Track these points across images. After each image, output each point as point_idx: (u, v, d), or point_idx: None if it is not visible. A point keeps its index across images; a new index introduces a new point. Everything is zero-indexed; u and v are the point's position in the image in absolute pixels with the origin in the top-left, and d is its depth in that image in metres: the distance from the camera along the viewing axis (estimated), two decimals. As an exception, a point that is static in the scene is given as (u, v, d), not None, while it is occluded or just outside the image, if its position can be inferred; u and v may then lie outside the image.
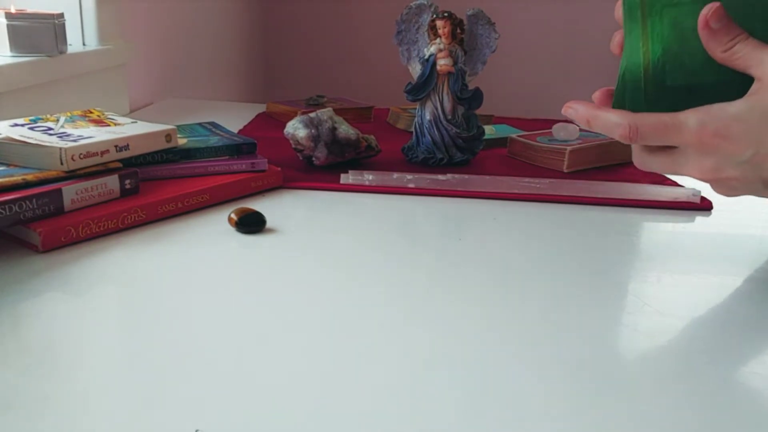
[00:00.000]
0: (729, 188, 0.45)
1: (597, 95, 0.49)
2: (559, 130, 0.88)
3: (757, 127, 0.41)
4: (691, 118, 0.42)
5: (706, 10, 0.42)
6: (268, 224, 0.61)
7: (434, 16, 0.81)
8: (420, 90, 0.82)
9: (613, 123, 0.45)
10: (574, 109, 0.48)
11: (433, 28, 0.81)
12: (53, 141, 0.59)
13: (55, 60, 0.89)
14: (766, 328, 0.45)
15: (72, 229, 0.54)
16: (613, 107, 0.47)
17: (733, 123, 0.41)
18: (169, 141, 0.67)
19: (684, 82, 0.43)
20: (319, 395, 0.36)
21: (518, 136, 0.90)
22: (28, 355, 0.38)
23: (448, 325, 0.44)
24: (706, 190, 0.74)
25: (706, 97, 0.43)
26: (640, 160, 0.48)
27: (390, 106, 1.15)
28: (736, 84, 0.42)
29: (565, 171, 0.82)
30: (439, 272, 0.53)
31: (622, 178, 0.80)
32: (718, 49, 0.42)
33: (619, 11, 0.46)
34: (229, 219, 0.59)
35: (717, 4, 0.42)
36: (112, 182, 0.60)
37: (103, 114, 0.71)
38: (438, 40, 0.81)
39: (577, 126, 0.90)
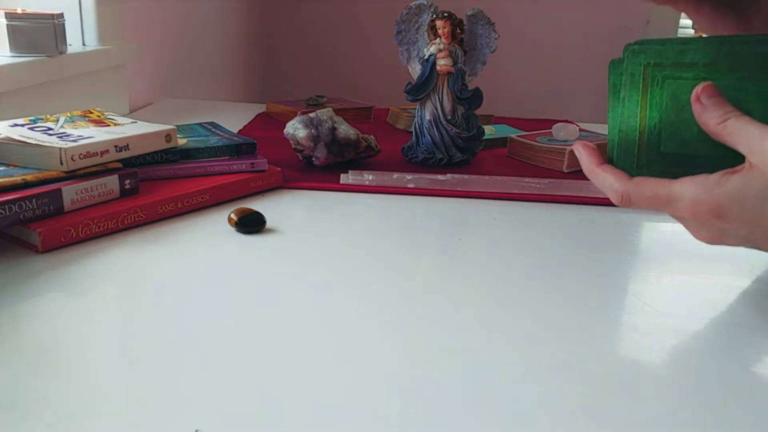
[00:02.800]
0: (731, 246, 0.45)
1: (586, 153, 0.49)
2: (559, 130, 0.89)
3: (752, 207, 0.40)
4: (686, 192, 0.41)
5: (699, 87, 0.43)
6: (268, 224, 0.61)
7: (434, 16, 0.81)
8: (420, 90, 0.82)
9: (608, 185, 0.45)
10: (580, 154, 0.48)
11: (432, 28, 0.81)
12: (53, 141, 0.59)
13: (55, 60, 0.89)
14: (766, 328, 0.45)
15: (72, 230, 0.54)
16: (609, 157, 0.47)
17: (728, 201, 0.40)
18: (168, 141, 0.67)
19: (677, 150, 0.44)
20: (318, 395, 0.36)
21: (518, 136, 0.90)
22: (28, 355, 0.38)
23: (447, 324, 0.44)
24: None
25: (698, 167, 0.43)
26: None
27: (390, 106, 1.15)
28: (728, 159, 0.42)
29: (565, 171, 0.82)
30: (438, 272, 0.53)
31: (622, 178, 0.80)
32: (710, 123, 0.42)
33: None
34: (229, 219, 0.59)
35: (709, 83, 0.43)
36: (111, 182, 0.60)
37: (102, 114, 0.71)
38: (438, 40, 0.81)
39: (577, 126, 0.91)
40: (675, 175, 0.43)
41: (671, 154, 0.44)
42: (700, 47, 0.43)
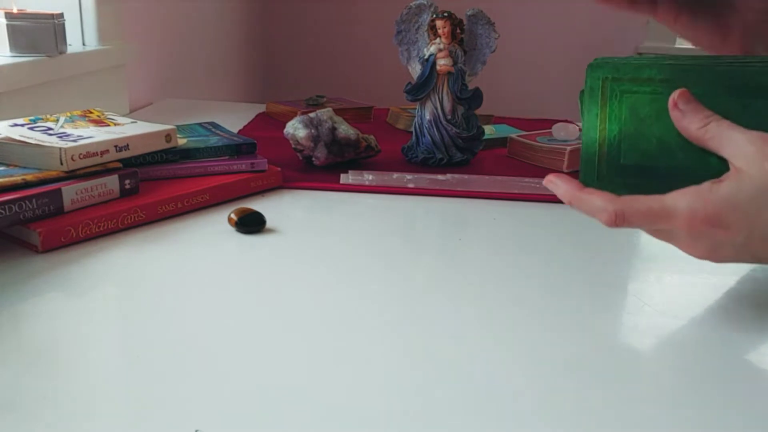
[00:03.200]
0: (724, 261, 0.44)
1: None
2: (558, 130, 0.89)
3: (747, 211, 0.39)
4: (680, 203, 0.41)
5: (675, 94, 0.43)
6: (268, 224, 0.61)
7: (434, 16, 0.81)
8: (420, 90, 0.82)
9: (596, 207, 0.43)
10: (555, 185, 0.46)
11: (432, 28, 0.81)
12: (53, 141, 0.59)
13: (55, 60, 0.89)
14: (766, 328, 0.45)
15: (72, 230, 0.54)
16: (583, 179, 0.46)
17: (724, 208, 0.40)
18: (168, 141, 0.67)
19: (638, 162, 0.45)
20: (318, 395, 0.36)
21: (518, 136, 0.90)
22: (28, 355, 0.38)
23: (447, 324, 0.44)
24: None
25: (658, 177, 0.43)
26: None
27: (390, 106, 1.15)
28: (691, 170, 0.42)
29: (565, 171, 0.82)
30: (438, 272, 0.53)
31: (622, 178, 0.80)
32: (691, 128, 0.42)
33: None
34: (229, 219, 0.59)
35: (683, 89, 0.43)
36: (111, 182, 0.60)
37: (102, 114, 0.71)
38: (438, 40, 0.81)
39: (577, 126, 0.91)
40: (635, 187, 0.43)
41: (632, 166, 0.45)
42: (656, 64, 0.44)
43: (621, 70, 0.45)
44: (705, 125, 0.42)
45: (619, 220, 0.42)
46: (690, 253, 0.43)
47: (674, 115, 0.43)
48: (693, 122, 0.42)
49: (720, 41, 0.56)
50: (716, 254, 0.42)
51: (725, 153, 0.41)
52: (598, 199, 0.43)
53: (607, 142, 0.45)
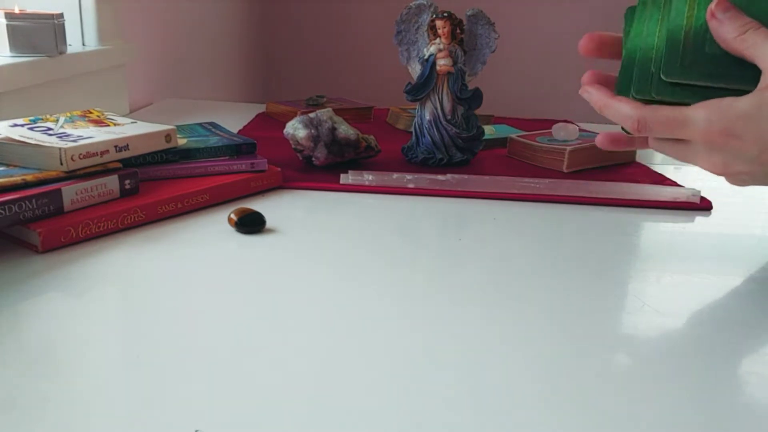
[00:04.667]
0: (739, 180, 0.46)
1: (586, 78, 0.50)
2: (558, 130, 0.89)
3: (764, 125, 0.41)
4: (699, 114, 0.42)
5: (712, 3, 0.43)
6: (268, 224, 0.61)
7: (434, 16, 0.81)
8: (420, 90, 0.82)
9: (623, 114, 0.46)
10: (590, 93, 0.49)
11: (432, 28, 0.81)
12: (53, 141, 0.59)
13: (55, 60, 0.89)
14: (766, 328, 0.45)
15: (71, 230, 0.54)
16: (618, 90, 0.48)
17: (740, 121, 0.41)
18: (168, 141, 0.67)
19: (721, 51, 0.44)
20: (318, 395, 0.36)
21: (518, 136, 0.90)
22: (28, 355, 0.38)
23: (447, 324, 0.44)
24: (706, 191, 0.74)
25: (738, 69, 0.43)
26: (655, 144, 0.49)
27: (390, 106, 1.15)
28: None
29: (565, 171, 0.82)
30: (438, 272, 0.53)
31: (622, 178, 0.80)
32: (728, 36, 0.43)
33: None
34: (229, 219, 0.59)
35: None
36: (111, 182, 0.60)
37: (102, 114, 0.71)
38: (438, 40, 0.81)
39: (577, 126, 0.91)
40: (718, 76, 0.43)
41: (714, 55, 0.44)
42: None
43: None
44: (742, 33, 0.42)
45: (641, 127, 0.45)
46: (707, 168, 0.45)
47: (712, 24, 0.43)
48: (730, 31, 0.42)
49: None
50: (730, 168, 0.44)
51: (761, 64, 0.42)
52: (626, 106, 0.46)
53: (694, 30, 0.44)
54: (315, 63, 2.21)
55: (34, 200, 0.53)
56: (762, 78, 0.42)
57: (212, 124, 0.83)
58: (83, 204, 0.57)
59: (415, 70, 0.83)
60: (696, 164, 0.46)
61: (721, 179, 0.47)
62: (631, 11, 0.49)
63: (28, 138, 0.59)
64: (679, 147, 0.46)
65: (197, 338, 0.41)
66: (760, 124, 0.41)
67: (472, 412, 0.35)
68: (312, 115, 0.77)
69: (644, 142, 0.51)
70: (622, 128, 0.50)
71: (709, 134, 0.42)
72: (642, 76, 0.46)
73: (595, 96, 0.48)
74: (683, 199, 0.72)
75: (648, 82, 0.46)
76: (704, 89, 0.44)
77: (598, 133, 0.92)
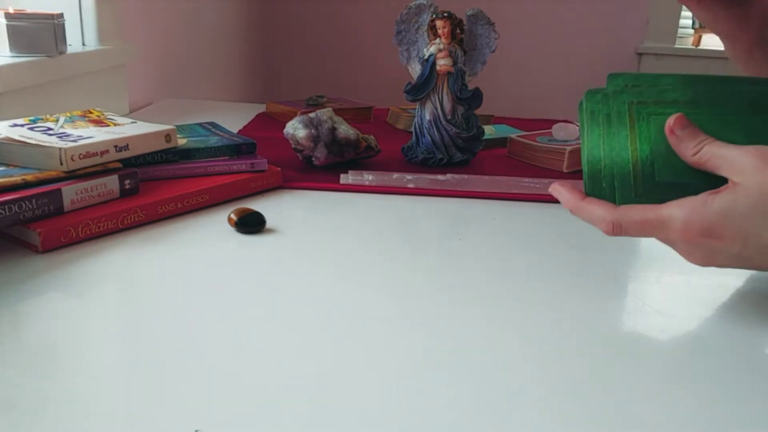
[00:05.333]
0: (722, 267, 0.45)
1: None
2: (558, 130, 0.89)
3: (741, 222, 0.40)
4: (676, 214, 0.42)
5: (671, 120, 0.44)
6: (268, 224, 0.61)
7: (434, 16, 0.81)
8: (420, 90, 0.82)
9: (596, 216, 0.45)
10: (559, 193, 0.48)
11: (432, 28, 0.81)
12: (53, 141, 0.59)
13: (55, 60, 0.89)
14: (766, 328, 0.45)
15: (71, 230, 0.54)
16: (587, 191, 0.47)
17: (719, 220, 0.41)
18: (168, 141, 0.67)
19: (672, 179, 0.45)
20: (318, 395, 0.36)
21: (518, 136, 0.90)
22: (28, 355, 0.38)
23: (447, 324, 0.44)
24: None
25: (694, 193, 0.43)
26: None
27: (390, 106, 1.15)
28: (724, 183, 0.42)
29: (565, 171, 0.82)
30: (438, 272, 0.53)
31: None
32: (687, 154, 0.44)
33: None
34: (229, 219, 0.59)
35: (680, 114, 0.44)
36: (111, 182, 0.60)
37: (102, 114, 0.71)
38: (437, 40, 0.81)
39: (577, 126, 0.91)
40: (675, 198, 0.43)
41: (667, 183, 0.45)
42: (678, 87, 0.45)
43: (644, 94, 0.45)
44: (699, 150, 0.43)
45: (616, 230, 0.45)
46: (688, 260, 0.44)
47: (671, 140, 0.44)
48: (688, 148, 0.43)
49: (737, 29, 0.57)
50: (713, 261, 0.44)
51: (723, 172, 0.42)
52: (598, 208, 0.45)
53: (641, 162, 0.45)
54: (315, 63, 2.21)
55: (34, 200, 0.53)
56: (729, 182, 0.41)
57: (212, 124, 0.83)
58: (83, 204, 0.57)
59: (415, 70, 0.83)
60: (677, 252, 0.45)
61: None
62: (590, 93, 0.48)
63: (28, 138, 0.59)
64: (657, 235, 0.46)
65: (197, 338, 0.41)
66: (737, 220, 0.40)
67: (472, 411, 0.35)
68: (312, 115, 0.77)
69: None
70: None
71: (687, 234, 0.42)
72: (621, 183, 0.46)
73: (566, 197, 0.47)
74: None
75: (612, 195, 0.46)
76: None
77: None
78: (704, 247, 0.42)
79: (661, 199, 0.44)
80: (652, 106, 0.45)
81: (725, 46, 0.61)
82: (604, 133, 0.46)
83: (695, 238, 0.42)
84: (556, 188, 0.48)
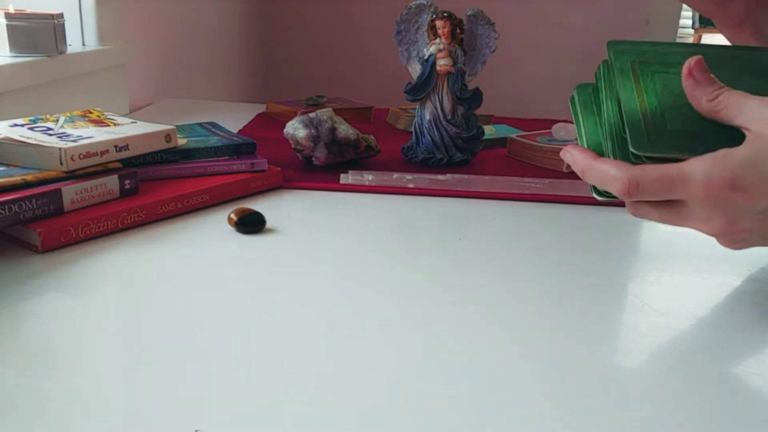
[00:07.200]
0: (739, 241, 0.42)
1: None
2: (558, 130, 0.89)
3: (767, 172, 0.38)
4: (697, 169, 0.39)
5: (691, 61, 0.42)
6: (268, 224, 0.61)
7: (434, 16, 0.81)
8: (420, 90, 0.82)
9: (610, 176, 0.42)
10: (571, 155, 0.46)
11: (432, 28, 0.81)
12: (53, 141, 0.58)
13: (55, 60, 0.89)
14: (766, 328, 0.45)
15: (71, 230, 0.54)
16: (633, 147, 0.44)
17: (744, 171, 0.38)
18: (168, 141, 0.67)
19: (685, 128, 0.43)
20: (318, 395, 0.36)
21: (518, 136, 0.90)
22: (28, 355, 0.38)
23: (447, 324, 0.44)
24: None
25: (709, 141, 0.41)
26: (636, 210, 0.45)
27: (390, 106, 1.15)
28: (737, 133, 0.41)
29: (565, 171, 0.82)
30: (438, 272, 0.53)
31: (622, 178, 0.80)
32: (703, 100, 0.41)
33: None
34: (229, 219, 0.59)
35: (699, 56, 0.42)
36: (111, 182, 0.60)
37: (102, 114, 0.71)
38: (437, 40, 0.81)
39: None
40: (689, 149, 0.41)
41: (680, 131, 0.43)
42: (680, 52, 0.45)
43: (646, 55, 0.45)
44: (716, 97, 0.41)
45: (633, 189, 0.41)
46: (706, 230, 0.42)
47: (687, 84, 0.42)
48: (704, 93, 0.41)
49: (722, 11, 0.56)
50: (734, 226, 0.40)
51: (740, 122, 0.40)
52: (611, 167, 0.42)
53: (650, 112, 0.43)
54: (315, 63, 2.20)
55: (34, 200, 0.53)
56: (747, 133, 0.40)
57: (212, 124, 0.82)
58: (83, 204, 0.57)
59: (415, 70, 0.83)
60: (691, 227, 0.42)
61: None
62: (580, 87, 0.48)
63: (28, 138, 0.59)
64: (670, 210, 0.43)
65: (197, 338, 0.41)
66: (762, 169, 0.38)
67: (472, 411, 0.35)
68: (312, 115, 0.77)
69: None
70: (596, 192, 0.46)
71: (710, 189, 0.39)
72: (619, 147, 0.44)
73: (577, 157, 0.45)
74: (683, 199, 0.72)
75: (626, 153, 0.43)
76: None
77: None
78: (727, 205, 0.39)
79: (677, 145, 0.42)
80: (655, 65, 0.45)
81: (717, 26, 0.61)
82: (607, 95, 0.45)
83: (718, 192, 0.38)
84: (568, 150, 0.46)
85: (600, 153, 0.45)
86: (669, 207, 0.42)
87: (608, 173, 0.42)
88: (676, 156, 0.41)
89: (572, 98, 0.47)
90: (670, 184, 0.40)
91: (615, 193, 0.42)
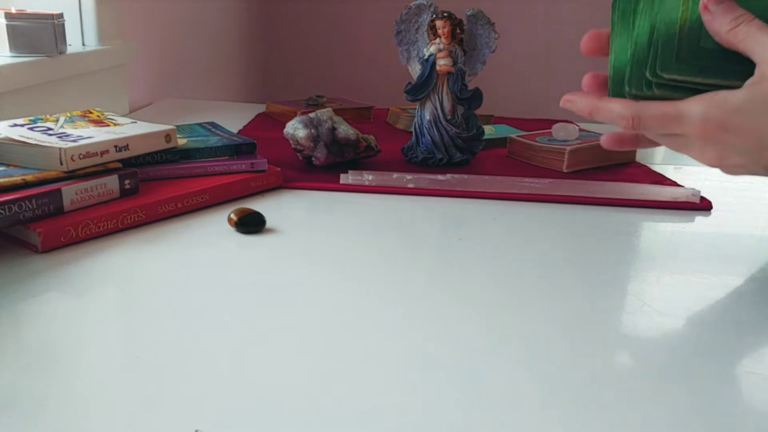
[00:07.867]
0: (734, 171, 0.45)
1: (586, 80, 0.49)
2: (558, 130, 0.89)
3: (759, 119, 0.40)
4: (694, 109, 0.42)
5: None
6: (268, 224, 0.61)
7: (434, 16, 0.81)
8: (420, 90, 0.82)
9: (616, 113, 0.45)
10: (573, 102, 0.48)
11: (432, 28, 0.81)
12: (53, 141, 0.59)
13: (55, 60, 0.89)
14: (766, 328, 0.45)
15: (71, 230, 0.54)
16: (611, 95, 0.47)
17: (736, 115, 0.40)
18: (168, 141, 0.67)
19: (715, 47, 0.43)
20: (318, 395, 0.36)
21: (518, 136, 0.90)
22: (28, 355, 0.38)
23: (447, 324, 0.44)
24: (706, 191, 0.74)
25: (732, 63, 0.42)
26: (652, 137, 0.48)
27: (390, 106, 1.15)
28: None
29: (565, 171, 0.82)
30: (438, 272, 0.53)
31: (622, 178, 0.80)
32: (722, 29, 0.42)
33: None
34: (229, 219, 0.59)
35: None
36: (111, 182, 0.60)
37: (102, 114, 0.71)
38: (437, 40, 0.81)
39: (577, 126, 0.91)
40: (712, 71, 0.42)
41: (709, 50, 0.43)
42: None
43: None
44: (735, 27, 0.41)
45: (635, 124, 0.44)
46: (700, 160, 0.44)
47: (705, 17, 0.42)
48: (723, 24, 0.42)
49: None
50: (726, 160, 0.43)
51: (754, 57, 0.41)
52: (616, 105, 0.45)
53: (689, 23, 0.44)
54: (315, 63, 2.21)
55: (34, 200, 0.53)
56: (756, 71, 0.41)
57: (212, 124, 0.83)
58: (83, 204, 0.57)
59: (415, 70, 0.83)
60: (690, 155, 0.46)
61: (717, 172, 0.46)
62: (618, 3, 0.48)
63: (28, 138, 0.59)
64: (674, 139, 0.46)
65: (197, 338, 0.41)
66: (755, 118, 0.40)
67: (472, 411, 0.35)
68: (312, 115, 0.77)
69: (649, 142, 0.50)
70: None
71: (704, 129, 0.42)
72: (636, 72, 0.45)
73: (581, 102, 0.47)
74: (683, 199, 0.72)
75: (642, 79, 0.45)
76: (698, 87, 0.43)
77: (598, 133, 0.92)
78: (718, 144, 0.42)
79: (701, 66, 0.43)
80: None
81: None
82: (645, 7, 0.45)
83: (711, 132, 0.41)
84: (569, 98, 0.48)
85: (621, 74, 0.45)
86: (672, 136, 0.46)
87: (614, 111, 0.45)
88: (697, 80, 0.43)
89: (614, 1, 0.47)
90: (669, 121, 0.43)
91: (621, 128, 0.45)
